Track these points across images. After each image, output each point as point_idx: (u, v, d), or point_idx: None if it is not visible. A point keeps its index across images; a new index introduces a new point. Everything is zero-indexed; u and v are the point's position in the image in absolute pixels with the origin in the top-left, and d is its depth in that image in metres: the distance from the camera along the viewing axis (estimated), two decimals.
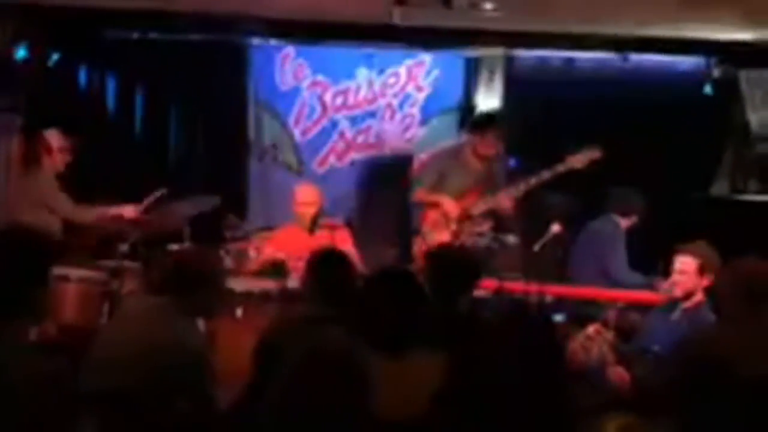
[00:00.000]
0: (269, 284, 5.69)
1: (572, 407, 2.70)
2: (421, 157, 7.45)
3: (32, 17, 6.92)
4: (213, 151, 7.75)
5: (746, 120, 7.77)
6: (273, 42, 7.76)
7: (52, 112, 6.93)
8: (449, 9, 6.46)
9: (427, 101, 7.73)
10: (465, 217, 6.32)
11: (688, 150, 7.51)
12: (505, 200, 6.28)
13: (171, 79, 7.70)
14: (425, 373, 3.13)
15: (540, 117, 7.23)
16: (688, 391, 2.84)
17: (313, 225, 6.22)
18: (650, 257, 6.17)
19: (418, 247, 6.38)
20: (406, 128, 7.74)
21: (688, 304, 4.79)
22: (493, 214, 6.38)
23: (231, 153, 7.71)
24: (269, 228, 6.88)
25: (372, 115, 7.75)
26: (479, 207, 6.35)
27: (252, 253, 6.39)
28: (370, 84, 7.72)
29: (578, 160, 6.17)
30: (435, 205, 6.36)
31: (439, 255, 4.47)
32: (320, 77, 7.71)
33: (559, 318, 5.54)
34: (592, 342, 4.71)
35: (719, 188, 7.80)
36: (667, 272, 5.03)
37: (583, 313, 5.57)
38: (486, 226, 6.37)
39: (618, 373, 4.62)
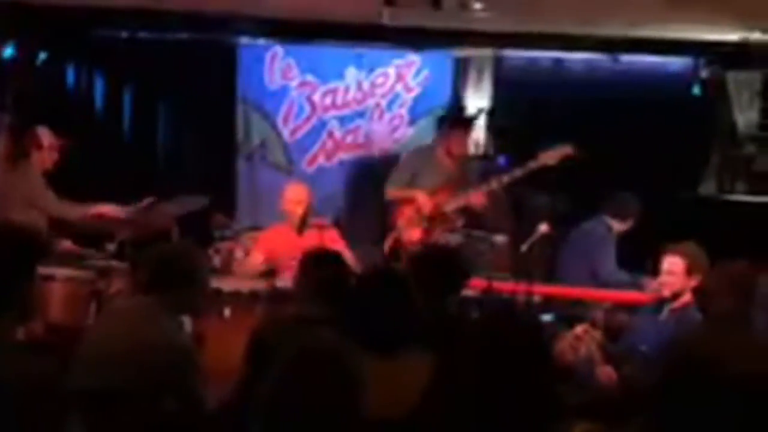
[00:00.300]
0: (258, 284, 5.68)
1: (559, 408, 2.70)
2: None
3: (20, 16, 6.90)
4: (201, 150, 7.73)
5: (733, 121, 7.81)
6: (262, 41, 7.75)
7: (40, 111, 6.92)
8: (438, 9, 6.47)
9: (416, 101, 7.73)
10: (437, 214, 6.35)
11: (676, 150, 7.54)
12: (477, 197, 6.33)
13: (159, 78, 7.68)
14: (414, 373, 3.13)
15: (529, 117, 7.25)
16: (674, 392, 2.85)
17: (302, 224, 6.21)
18: (638, 257, 6.19)
19: (389, 243, 6.41)
20: (395, 128, 7.74)
21: (676, 304, 4.80)
22: (466, 212, 6.41)
23: (219, 152, 7.70)
24: (258, 228, 6.87)
25: (361, 115, 7.75)
26: (452, 204, 6.40)
27: (239, 253, 6.39)
28: (359, 84, 7.72)
29: (550, 156, 6.20)
30: (409, 201, 6.40)
31: (428, 254, 4.47)
32: (309, 77, 7.70)
33: (547, 318, 5.55)
34: (580, 342, 4.72)
35: (706, 188, 7.83)
36: (655, 272, 5.05)
37: (571, 313, 5.58)
38: (458, 223, 6.40)
39: (606, 373, 4.63)
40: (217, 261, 6.47)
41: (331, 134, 7.74)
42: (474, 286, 5.32)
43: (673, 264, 4.80)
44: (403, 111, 7.73)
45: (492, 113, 7.75)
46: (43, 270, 4.94)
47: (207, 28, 7.44)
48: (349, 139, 7.76)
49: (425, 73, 7.74)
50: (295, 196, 6.29)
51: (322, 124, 7.73)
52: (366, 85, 7.72)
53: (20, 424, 2.36)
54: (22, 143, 6.13)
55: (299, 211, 6.22)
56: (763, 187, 7.42)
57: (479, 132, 7.86)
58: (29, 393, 2.41)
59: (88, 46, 7.62)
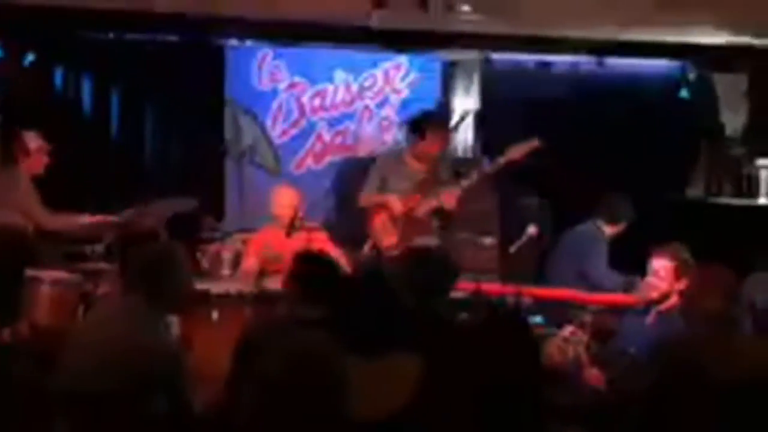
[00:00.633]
0: (246, 286, 5.67)
1: (547, 410, 2.71)
2: None
3: (7, 17, 6.87)
4: (189, 152, 7.72)
5: (721, 123, 7.84)
6: (250, 43, 7.75)
7: (27, 113, 6.89)
8: (426, 12, 6.48)
9: (405, 104, 7.74)
10: (411, 218, 6.35)
11: (664, 153, 7.57)
12: (448, 198, 6.30)
13: (148, 80, 7.65)
14: (403, 375, 3.14)
15: (516, 119, 7.26)
16: (662, 394, 2.86)
17: (291, 227, 6.21)
18: (626, 259, 6.19)
19: (367, 249, 6.41)
20: (383, 131, 7.74)
21: (663, 306, 4.81)
22: (438, 213, 6.40)
23: (208, 154, 7.68)
24: (246, 230, 6.86)
25: (350, 117, 7.75)
26: (423, 207, 6.38)
27: (227, 255, 6.38)
28: (348, 86, 7.72)
29: (518, 150, 6.19)
30: (381, 207, 6.39)
31: (417, 256, 4.47)
32: (298, 79, 7.70)
33: (535, 320, 5.55)
34: (568, 344, 4.72)
35: (694, 191, 7.86)
36: (643, 274, 5.06)
37: (559, 315, 5.58)
38: (432, 225, 6.40)
39: (594, 375, 4.63)
40: (205, 263, 6.45)
41: (319, 136, 7.74)
42: (462, 288, 5.32)
43: (660, 266, 4.81)
44: (392, 113, 7.73)
45: (479, 115, 7.78)
46: (30, 272, 4.92)
47: (195, 30, 7.42)
48: (337, 141, 7.76)
49: (414, 75, 7.75)
50: (284, 199, 6.28)
51: (311, 126, 7.73)
52: (355, 88, 7.72)
53: (5, 426, 2.36)
54: (10, 148, 6.09)
55: (288, 214, 6.21)
56: (750, 189, 7.45)
57: (467, 134, 7.89)
58: (14, 396, 2.41)
59: (76, 48, 7.59)
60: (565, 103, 7.50)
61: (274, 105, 7.70)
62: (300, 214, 6.25)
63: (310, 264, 4.11)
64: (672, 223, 6.96)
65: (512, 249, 5.81)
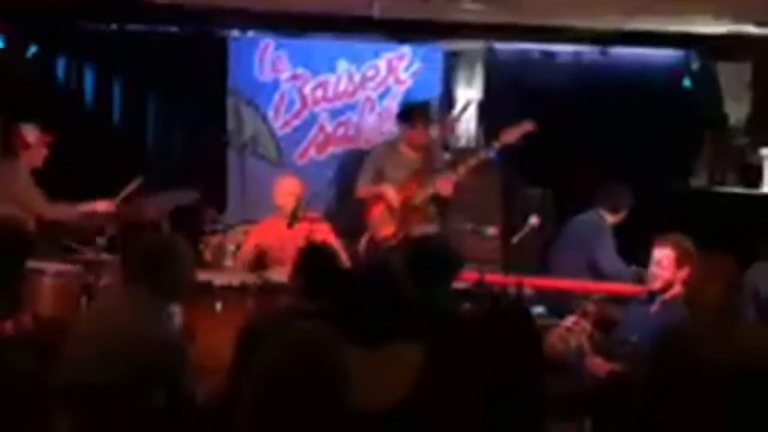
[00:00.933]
0: (249, 277, 5.67)
1: (548, 399, 2.71)
2: None
3: (9, 9, 6.87)
4: (191, 143, 7.71)
5: (724, 113, 7.82)
6: (252, 34, 7.73)
7: (29, 104, 6.89)
8: (429, 2, 6.46)
9: (407, 94, 7.71)
10: (408, 207, 6.36)
11: (667, 142, 7.55)
12: (444, 184, 6.31)
13: (150, 71, 7.64)
14: (405, 365, 3.14)
15: (520, 109, 7.24)
16: (664, 383, 2.86)
17: (293, 217, 6.20)
18: (630, 249, 6.19)
19: (365, 241, 6.42)
20: (386, 121, 7.73)
21: (666, 295, 4.81)
22: (435, 200, 6.41)
23: (210, 145, 7.68)
24: (248, 221, 6.86)
25: (352, 108, 7.73)
26: (420, 195, 6.39)
27: (230, 246, 6.38)
28: (350, 77, 7.70)
29: (512, 134, 6.22)
30: (378, 198, 6.40)
31: (420, 246, 4.47)
32: (300, 70, 7.68)
33: (538, 310, 5.56)
34: (570, 333, 4.73)
35: (698, 180, 7.84)
36: (646, 264, 5.05)
37: (562, 305, 5.58)
38: (430, 213, 6.42)
39: (596, 364, 4.64)
40: (207, 255, 6.46)
41: (322, 127, 7.73)
42: (465, 279, 5.32)
43: (663, 256, 4.81)
44: (394, 104, 7.71)
45: (482, 105, 7.76)
46: (33, 264, 4.93)
47: (197, 21, 7.41)
48: (340, 132, 7.74)
49: (416, 65, 7.73)
50: (286, 188, 6.28)
51: (313, 117, 7.72)
52: (357, 78, 7.71)
53: (7, 420, 2.36)
54: (9, 141, 6.08)
55: (291, 203, 6.21)
56: (754, 178, 7.44)
57: (470, 124, 7.87)
58: (16, 388, 2.41)
59: (78, 39, 7.59)
60: (568, 92, 7.48)
61: (276, 96, 7.69)
62: (302, 203, 6.26)
63: (314, 256, 4.12)
64: (676, 213, 6.95)
65: (515, 239, 5.81)
